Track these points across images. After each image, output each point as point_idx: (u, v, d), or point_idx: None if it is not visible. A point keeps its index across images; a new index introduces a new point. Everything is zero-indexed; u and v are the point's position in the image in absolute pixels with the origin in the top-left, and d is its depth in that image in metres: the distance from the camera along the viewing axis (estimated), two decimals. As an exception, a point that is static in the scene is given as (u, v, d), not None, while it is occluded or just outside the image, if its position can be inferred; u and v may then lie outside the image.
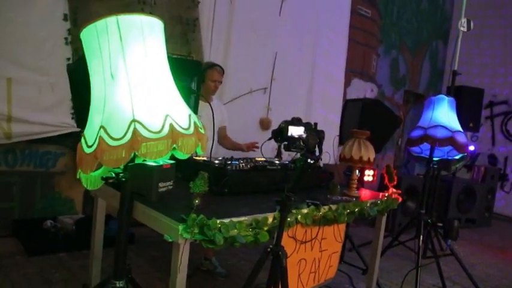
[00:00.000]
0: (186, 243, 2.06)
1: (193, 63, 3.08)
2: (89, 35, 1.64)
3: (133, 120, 1.51)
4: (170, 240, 2.13)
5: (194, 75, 2.44)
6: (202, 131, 1.70)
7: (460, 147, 3.82)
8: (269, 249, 1.95)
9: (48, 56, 3.80)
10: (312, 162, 1.77)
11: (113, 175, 1.69)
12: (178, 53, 4.72)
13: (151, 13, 4.33)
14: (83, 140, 1.60)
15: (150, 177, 1.62)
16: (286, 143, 1.90)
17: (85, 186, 1.78)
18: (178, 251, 2.06)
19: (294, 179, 1.83)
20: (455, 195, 6.82)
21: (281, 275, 1.91)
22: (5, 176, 4.01)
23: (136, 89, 1.56)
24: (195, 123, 1.65)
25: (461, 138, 3.82)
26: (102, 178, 1.69)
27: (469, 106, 6.83)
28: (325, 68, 6.55)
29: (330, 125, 6.56)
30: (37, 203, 4.21)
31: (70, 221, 4.10)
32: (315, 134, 1.83)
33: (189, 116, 1.65)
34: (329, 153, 3.94)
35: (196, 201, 2.19)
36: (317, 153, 1.92)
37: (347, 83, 7.30)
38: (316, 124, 1.97)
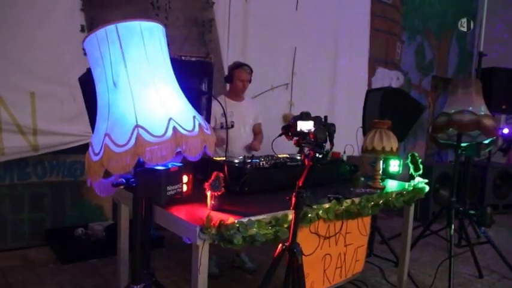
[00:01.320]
0: (205, 244, 2.07)
1: (204, 64, 3.09)
2: (90, 44, 1.66)
3: (137, 126, 1.51)
4: (189, 242, 2.14)
5: (205, 76, 2.44)
6: (208, 131, 1.69)
7: (488, 131, 3.68)
8: (284, 247, 1.92)
9: (68, 68, 3.87)
10: (320, 156, 1.74)
11: (123, 181, 1.70)
12: (196, 55, 4.75)
13: (166, 18, 4.40)
14: (90, 148, 1.61)
15: (158, 181, 1.62)
16: (296, 138, 1.87)
17: (98, 193, 1.80)
18: (197, 252, 2.07)
19: (305, 175, 1.80)
20: (491, 181, 6.60)
21: (297, 272, 1.88)
22: (36, 188, 4.14)
23: (138, 95, 1.57)
24: (200, 124, 1.64)
25: (488, 122, 3.68)
26: (113, 184, 1.70)
27: (502, 88, 6.59)
28: (348, 59, 6.46)
29: (355, 116, 6.47)
30: (68, 212, 4.32)
31: (100, 227, 4.18)
32: (323, 127, 1.78)
33: (194, 117, 1.64)
34: (352, 145, 3.90)
35: (213, 201, 2.20)
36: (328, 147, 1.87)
37: (371, 73, 7.18)
38: (326, 117, 1.92)
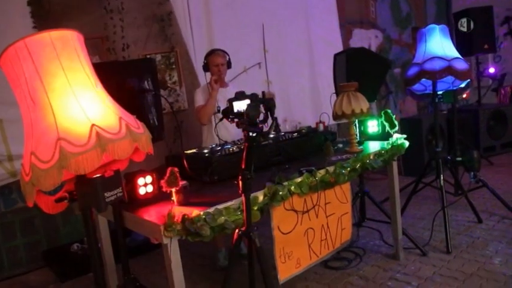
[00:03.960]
0: (173, 241, 2.04)
1: (145, 62, 3.03)
2: (5, 65, 1.60)
3: (59, 139, 1.47)
4: (156, 242, 2.11)
5: (147, 73, 2.38)
6: (139, 130, 1.64)
7: (461, 75, 3.59)
8: (240, 233, 1.89)
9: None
10: (254, 135, 1.69)
11: (66, 195, 1.67)
12: (161, 51, 4.69)
13: (121, 20, 4.33)
14: (22, 170, 1.58)
15: (95, 189, 1.58)
16: (237, 120, 1.82)
17: (46, 211, 1.78)
18: (167, 251, 2.05)
19: (245, 157, 1.75)
20: (484, 123, 6.49)
21: (257, 255, 1.85)
22: (25, 212, 4.12)
23: (58, 107, 1.52)
24: (127, 124, 1.59)
25: (460, 65, 3.59)
26: (55, 200, 1.67)
27: (480, 27, 6.46)
28: (319, 25, 6.31)
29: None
30: (61, 230, 4.31)
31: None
32: (257, 104, 1.73)
33: (120, 118, 1.59)
34: (327, 113, 3.83)
35: (173, 198, 2.17)
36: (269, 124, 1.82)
37: (348, 35, 7.06)
38: (263, 93, 1.87)
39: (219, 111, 3.61)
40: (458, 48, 3.93)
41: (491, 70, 7.21)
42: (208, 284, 3.43)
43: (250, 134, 1.68)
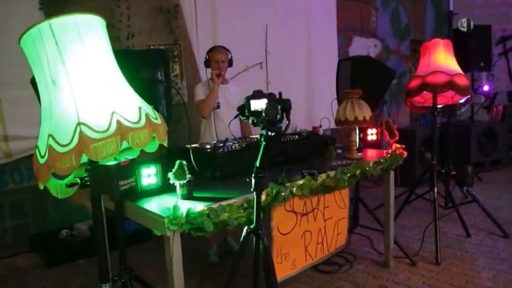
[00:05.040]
0: (176, 235, 2.04)
1: (158, 53, 3.02)
2: (26, 44, 1.60)
3: (79, 123, 1.46)
4: (159, 234, 2.11)
5: (160, 64, 2.38)
6: (157, 121, 1.64)
7: (462, 90, 3.65)
8: (249, 230, 1.90)
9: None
10: (272, 134, 1.69)
11: (78, 180, 1.66)
12: (165, 43, 4.67)
13: (128, 8, 4.30)
14: (36, 151, 1.57)
15: (110, 177, 1.58)
16: (252, 118, 1.82)
17: (56, 196, 1.76)
18: (169, 244, 2.05)
19: (261, 155, 1.76)
20: (476, 139, 6.61)
21: (265, 253, 1.86)
22: (15, 194, 4.08)
23: (79, 91, 1.51)
24: (147, 114, 1.59)
25: (461, 81, 3.64)
26: (67, 185, 1.66)
27: (478, 45, 6.56)
28: (320, 31, 6.36)
29: (333, 89, 6.43)
30: (51, 215, 4.27)
31: (85, 227, 4.15)
32: (275, 103, 1.74)
33: (140, 108, 1.59)
34: (328, 118, 3.86)
35: (178, 191, 2.16)
36: (285, 124, 1.83)
37: (348, 43, 7.12)
38: (280, 93, 1.87)
39: (218, 107, 3.65)
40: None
41: (486, 88, 7.32)
42: (198, 279, 3.43)
43: (269, 133, 1.69)
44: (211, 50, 3.73)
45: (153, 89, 2.28)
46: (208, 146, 2.91)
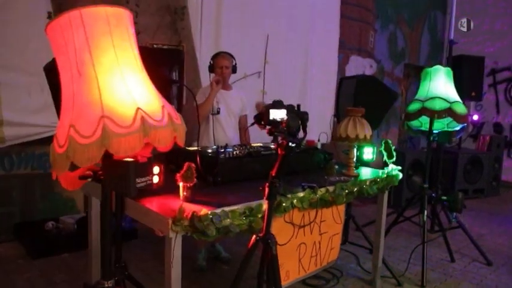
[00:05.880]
0: (178, 236, 2.03)
1: (174, 53, 3.01)
2: (53, 31, 1.58)
3: (103, 116, 1.45)
4: (161, 234, 2.09)
5: (175, 64, 2.37)
6: (178, 121, 1.64)
7: (459, 118, 3.73)
8: (258, 238, 1.90)
9: (34, 56, 3.71)
10: (293, 145, 1.71)
11: (91, 174, 1.64)
12: (169, 43, 4.66)
13: (137, 5, 4.29)
14: (55, 140, 1.55)
15: (127, 173, 1.56)
16: (269, 127, 1.83)
17: (64, 187, 1.74)
18: (170, 245, 2.03)
19: (278, 165, 1.77)
20: (462, 166, 6.74)
21: (271, 262, 1.86)
22: (3, 181, 4.01)
23: (104, 83, 1.50)
24: (169, 114, 1.59)
25: (459, 109, 3.72)
26: (80, 178, 1.64)
27: (470, 75, 6.69)
28: (319, 47, 6.44)
29: (326, 104, 6.50)
30: (38, 205, 4.20)
31: (71, 220, 4.09)
32: (296, 115, 1.75)
33: (163, 107, 1.59)
34: (326, 133, 3.90)
35: (185, 193, 2.16)
36: (301, 136, 1.85)
37: (345, 61, 7.22)
38: (299, 105, 1.89)
39: (218, 112, 3.65)
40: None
41: (475, 117, 7.49)
42: (186, 283, 3.38)
43: (290, 144, 1.70)
44: (216, 56, 3.74)
45: (167, 88, 2.28)
46: (210, 151, 2.91)
